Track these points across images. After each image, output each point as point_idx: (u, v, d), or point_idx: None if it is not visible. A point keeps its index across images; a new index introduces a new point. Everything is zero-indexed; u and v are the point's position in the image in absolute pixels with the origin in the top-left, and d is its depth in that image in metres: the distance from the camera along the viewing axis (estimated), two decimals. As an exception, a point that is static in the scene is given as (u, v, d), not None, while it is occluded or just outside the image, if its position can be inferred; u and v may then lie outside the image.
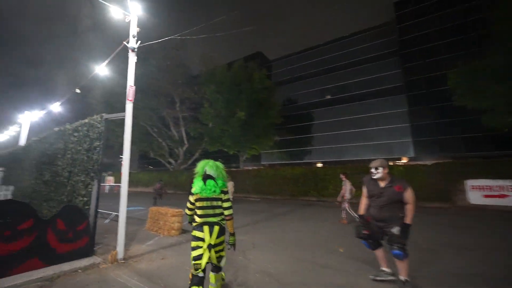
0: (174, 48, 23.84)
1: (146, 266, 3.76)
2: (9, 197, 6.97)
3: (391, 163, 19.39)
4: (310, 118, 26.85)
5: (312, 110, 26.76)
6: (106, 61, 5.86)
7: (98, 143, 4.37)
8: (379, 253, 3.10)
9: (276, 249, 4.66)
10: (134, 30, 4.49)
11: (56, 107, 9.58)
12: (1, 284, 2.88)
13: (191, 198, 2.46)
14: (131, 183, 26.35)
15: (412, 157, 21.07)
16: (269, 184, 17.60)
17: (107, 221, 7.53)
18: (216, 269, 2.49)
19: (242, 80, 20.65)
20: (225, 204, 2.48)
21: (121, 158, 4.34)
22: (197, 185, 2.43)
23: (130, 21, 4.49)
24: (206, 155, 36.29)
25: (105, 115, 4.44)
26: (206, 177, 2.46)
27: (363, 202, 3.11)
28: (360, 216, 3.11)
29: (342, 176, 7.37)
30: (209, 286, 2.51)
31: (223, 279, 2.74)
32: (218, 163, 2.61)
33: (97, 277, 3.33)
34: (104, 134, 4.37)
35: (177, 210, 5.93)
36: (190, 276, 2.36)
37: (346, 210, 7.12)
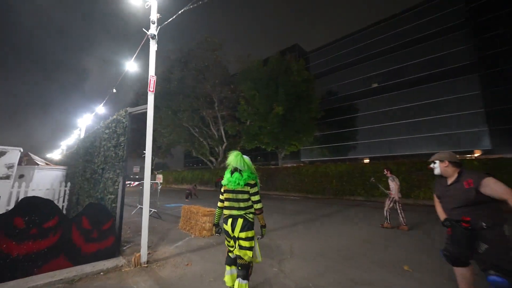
0: (212, 49, 24.37)
1: (169, 273, 3.36)
2: (67, 193, 7.47)
3: (460, 157, 16.35)
4: (354, 110, 24.41)
5: (356, 101, 24.25)
6: (134, 56, 5.77)
7: (123, 139, 4.18)
8: (463, 272, 2.12)
9: (319, 260, 3.84)
10: (154, 15, 4.16)
11: (100, 109, 10.35)
12: (23, 284, 2.78)
13: (222, 189, 2.48)
14: (177, 180, 27.87)
15: (488, 149, 17.20)
16: (310, 182, 16.46)
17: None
18: (243, 274, 2.28)
19: (279, 74, 19.83)
20: (254, 198, 2.41)
21: (144, 153, 4.07)
22: (226, 177, 2.45)
23: (149, 6, 4.19)
24: (244, 153, 36.46)
25: (129, 109, 4.24)
26: (234, 170, 2.44)
27: (436, 206, 2.38)
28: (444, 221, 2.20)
29: (386, 172, 6.31)
30: None
31: None
32: (246, 157, 2.54)
33: (115, 283, 3.04)
34: (129, 129, 4.15)
35: (208, 210, 5.55)
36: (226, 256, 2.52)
37: (398, 211, 5.92)
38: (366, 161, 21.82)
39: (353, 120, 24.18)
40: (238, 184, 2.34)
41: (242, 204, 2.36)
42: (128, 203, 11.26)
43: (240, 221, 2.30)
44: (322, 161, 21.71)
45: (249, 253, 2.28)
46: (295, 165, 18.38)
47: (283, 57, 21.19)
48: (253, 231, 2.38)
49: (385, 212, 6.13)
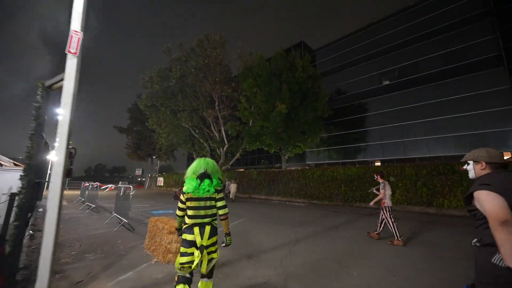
0: (213, 47, 23.30)
1: None
2: None
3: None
4: (364, 109, 22.71)
5: (367, 100, 22.57)
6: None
7: (35, 124, 2.87)
8: None
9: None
10: None
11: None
12: None
13: (182, 198, 2.32)
14: (177, 183, 26.58)
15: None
16: (316, 187, 14.93)
17: (114, 229, 6.36)
18: (208, 275, 2.29)
19: (282, 70, 18.48)
20: (219, 203, 2.37)
21: (72, 146, 2.77)
22: (189, 184, 2.29)
23: None
24: (247, 155, 35.42)
25: (47, 82, 2.94)
26: (203, 176, 2.32)
27: None
28: None
29: (377, 177, 5.65)
30: None
31: None
32: (212, 161, 2.51)
33: None
34: (43, 111, 2.85)
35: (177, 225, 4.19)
36: (176, 278, 2.25)
37: (387, 221, 5.27)
38: (378, 164, 20.09)
39: (363, 120, 22.48)
40: (208, 191, 2.28)
41: (209, 212, 2.31)
42: (108, 209, 10.03)
43: (208, 228, 2.27)
44: (329, 164, 20.11)
45: (216, 257, 2.31)
46: (299, 168, 16.87)
47: (288, 54, 19.88)
48: (217, 237, 2.35)
49: (390, 225, 5.20)
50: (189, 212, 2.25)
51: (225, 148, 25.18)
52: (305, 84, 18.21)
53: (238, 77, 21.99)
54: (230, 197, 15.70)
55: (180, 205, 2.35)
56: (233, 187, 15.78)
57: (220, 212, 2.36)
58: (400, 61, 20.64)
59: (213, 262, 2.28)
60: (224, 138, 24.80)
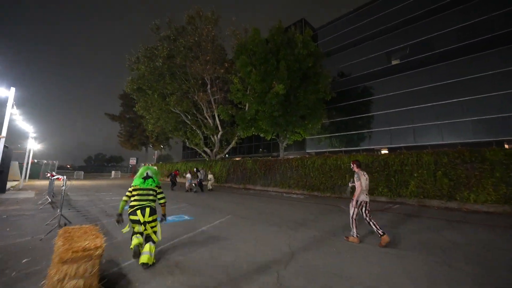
0: (204, 23, 21.05)
1: None
2: None
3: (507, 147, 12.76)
4: (370, 92, 20.72)
5: (373, 82, 20.53)
6: None
7: None
8: None
9: None
10: None
11: None
12: None
13: (130, 189, 3.58)
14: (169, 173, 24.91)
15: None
16: (317, 177, 13.30)
17: (42, 236, 4.69)
18: (152, 241, 3.44)
19: (280, 47, 16.39)
20: (160, 196, 3.72)
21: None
22: (137, 181, 3.60)
23: None
24: (244, 143, 33.71)
25: None
26: (146, 177, 3.64)
27: None
28: None
29: (353, 166, 4.94)
30: (143, 255, 3.30)
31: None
32: (154, 168, 3.82)
33: None
34: None
35: (83, 247, 2.48)
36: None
37: (363, 220, 4.66)
38: (385, 151, 18.36)
39: (369, 104, 20.51)
40: (151, 184, 3.61)
41: (151, 197, 3.56)
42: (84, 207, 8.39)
43: (147, 209, 3.42)
44: (331, 152, 18.38)
45: (157, 230, 3.58)
46: (298, 156, 15.17)
47: (287, 30, 17.69)
48: (156, 215, 3.56)
49: (350, 219, 4.72)
50: (135, 198, 3.49)
51: (219, 135, 23.46)
52: (305, 63, 16.17)
53: (232, 58, 19.92)
54: (209, 187, 15.33)
55: (127, 193, 3.58)
56: (211, 177, 15.58)
57: (161, 201, 3.71)
58: (410, 38, 18.38)
59: (158, 234, 3.57)
60: (218, 124, 23.03)
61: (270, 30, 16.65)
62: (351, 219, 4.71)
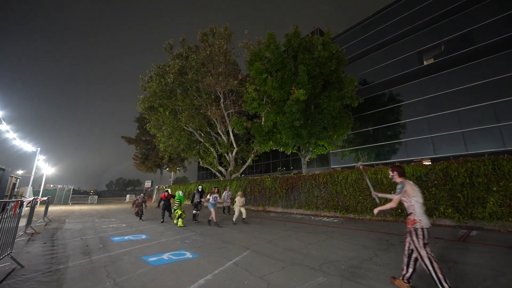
0: (217, 39, 20.46)
1: None
2: None
3: None
4: (399, 97, 18.41)
5: (402, 86, 18.28)
6: None
7: None
8: None
9: None
10: None
11: None
12: None
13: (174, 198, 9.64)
14: (184, 195, 23.33)
15: None
16: (352, 195, 10.90)
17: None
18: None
19: (298, 51, 14.94)
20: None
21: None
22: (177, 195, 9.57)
23: None
24: (261, 161, 31.67)
25: None
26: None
27: None
28: None
29: (393, 174, 3.41)
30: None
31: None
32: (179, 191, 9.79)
33: None
34: None
35: None
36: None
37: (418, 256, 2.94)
38: (427, 163, 15.53)
39: (401, 110, 18.08)
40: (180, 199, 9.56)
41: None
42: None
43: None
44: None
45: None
46: (325, 172, 12.87)
47: (303, 37, 16.39)
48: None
49: (424, 264, 2.81)
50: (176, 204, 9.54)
51: (234, 153, 21.78)
52: (327, 66, 14.49)
53: (246, 68, 18.78)
54: (240, 215, 9.83)
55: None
56: (238, 198, 9.99)
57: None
58: (441, 35, 16.18)
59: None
60: (233, 141, 21.46)
61: (287, 35, 15.36)
62: (428, 267, 2.76)
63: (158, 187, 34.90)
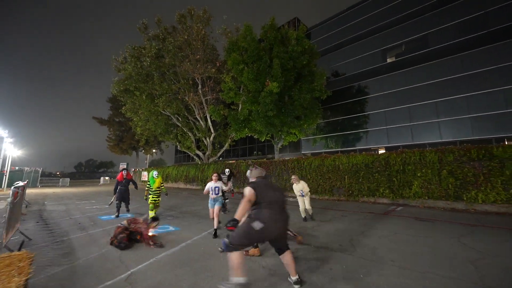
0: (196, 22, 20.27)
1: None
2: None
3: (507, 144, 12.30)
4: (365, 91, 20.34)
5: (367, 80, 20.15)
6: None
7: None
8: None
9: None
10: None
11: None
12: None
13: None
14: (162, 178, 24.09)
15: None
16: (314, 179, 12.61)
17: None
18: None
19: (274, 44, 15.77)
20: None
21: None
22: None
23: None
24: (238, 145, 32.98)
25: None
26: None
27: None
28: None
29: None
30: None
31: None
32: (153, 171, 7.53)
33: None
34: None
35: None
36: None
37: None
38: (382, 151, 17.89)
39: (365, 103, 20.08)
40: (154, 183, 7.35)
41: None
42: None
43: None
44: (327, 153, 17.79)
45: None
46: (294, 157, 14.47)
47: (280, 29, 17.11)
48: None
49: None
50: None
51: (211, 138, 22.60)
52: (300, 60, 15.59)
53: (224, 56, 19.21)
54: (309, 211, 7.10)
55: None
56: (305, 186, 7.12)
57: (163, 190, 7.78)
58: (406, 35, 18.10)
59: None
60: (210, 126, 22.18)
61: (263, 27, 16.04)
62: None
63: (134, 170, 34.76)
